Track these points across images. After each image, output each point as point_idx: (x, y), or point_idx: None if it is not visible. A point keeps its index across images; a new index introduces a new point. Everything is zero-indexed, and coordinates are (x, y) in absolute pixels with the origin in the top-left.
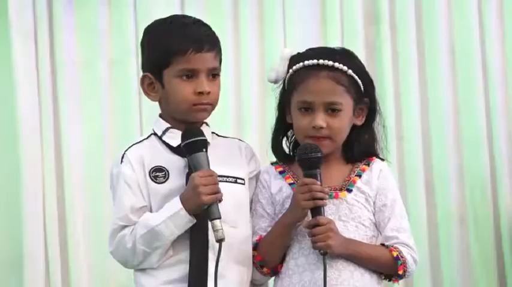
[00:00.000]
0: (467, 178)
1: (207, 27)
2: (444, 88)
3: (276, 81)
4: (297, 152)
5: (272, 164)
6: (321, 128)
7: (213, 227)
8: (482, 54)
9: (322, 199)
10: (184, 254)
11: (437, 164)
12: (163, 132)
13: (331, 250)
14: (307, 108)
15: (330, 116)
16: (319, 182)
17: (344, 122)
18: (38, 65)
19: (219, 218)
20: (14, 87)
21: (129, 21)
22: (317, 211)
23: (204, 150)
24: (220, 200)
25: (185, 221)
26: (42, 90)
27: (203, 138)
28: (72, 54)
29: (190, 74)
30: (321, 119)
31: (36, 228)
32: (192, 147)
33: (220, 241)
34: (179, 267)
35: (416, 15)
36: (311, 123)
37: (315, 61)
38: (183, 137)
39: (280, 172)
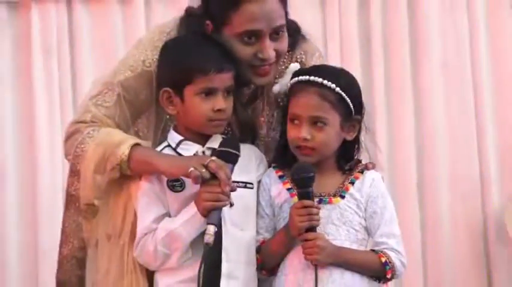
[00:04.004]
0: (457, 185)
1: (227, 48)
2: (436, 100)
3: (279, 93)
4: (291, 171)
5: (273, 167)
6: (306, 139)
7: (206, 230)
8: (472, 70)
9: (318, 220)
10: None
11: (429, 172)
12: (177, 145)
13: (318, 263)
14: (296, 120)
15: (316, 129)
16: (316, 202)
17: (329, 136)
18: (60, 80)
19: (214, 224)
20: (34, 101)
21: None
22: (310, 229)
23: (232, 164)
24: (231, 204)
25: (200, 223)
26: (63, 104)
27: (237, 153)
28: (91, 70)
29: (210, 92)
30: (305, 132)
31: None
32: (225, 156)
33: (206, 244)
34: (195, 267)
35: (410, 33)
36: (297, 134)
37: (307, 77)
38: (225, 143)
39: (280, 176)
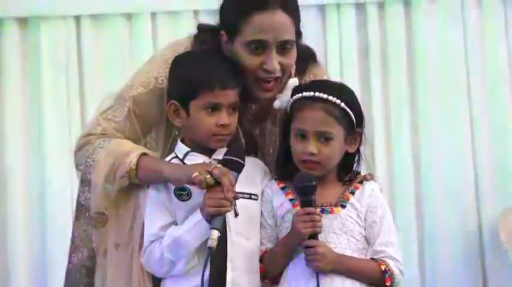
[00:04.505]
0: (453, 197)
1: (234, 65)
2: (433, 114)
3: (280, 108)
4: (293, 180)
5: (275, 179)
6: (313, 154)
7: (210, 235)
8: (468, 84)
9: (320, 227)
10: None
11: (426, 183)
12: (184, 156)
13: (319, 270)
14: (302, 135)
15: (322, 144)
16: (318, 211)
17: (334, 149)
18: (68, 95)
19: (217, 229)
20: (43, 115)
21: (149, 51)
22: (313, 235)
23: (236, 172)
24: (237, 214)
25: (204, 229)
26: (71, 118)
27: (241, 162)
28: (99, 84)
29: (214, 107)
30: (312, 146)
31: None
32: (231, 165)
33: (209, 248)
34: (200, 275)
35: (407, 50)
36: (304, 149)
37: (312, 93)
38: (230, 152)
39: (282, 188)
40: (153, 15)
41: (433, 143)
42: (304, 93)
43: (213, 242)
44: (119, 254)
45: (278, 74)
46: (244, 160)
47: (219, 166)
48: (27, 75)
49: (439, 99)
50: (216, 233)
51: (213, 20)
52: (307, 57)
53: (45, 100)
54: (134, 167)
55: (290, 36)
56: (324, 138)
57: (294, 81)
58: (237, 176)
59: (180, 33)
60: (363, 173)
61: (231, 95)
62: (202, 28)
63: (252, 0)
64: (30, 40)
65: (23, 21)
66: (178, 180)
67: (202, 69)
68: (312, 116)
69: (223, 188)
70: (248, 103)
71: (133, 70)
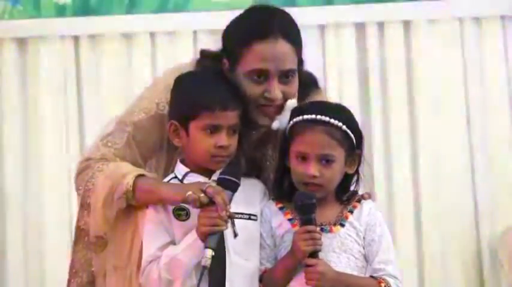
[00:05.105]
0: (452, 219)
1: (235, 87)
2: (431, 135)
3: (278, 130)
4: (293, 199)
5: (273, 199)
6: (315, 177)
7: (204, 253)
8: (466, 106)
9: (321, 245)
10: (205, 285)
11: (425, 204)
12: (184, 176)
13: None
14: (303, 158)
15: (323, 166)
16: (319, 229)
17: (335, 171)
18: (66, 115)
19: (211, 248)
20: (41, 136)
21: (148, 71)
22: (313, 253)
23: (231, 191)
24: (236, 235)
25: (200, 249)
26: (69, 139)
27: (236, 181)
28: (98, 105)
29: (214, 129)
30: (314, 169)
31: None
32: (225, 184)
33: (203, 267)
34: None
35: (406, 70)
36: (306, 171)
37: (313, 116)
38: (225, 171)
39: (280, 208)
40: (152, 35)
41: (432, 162)
42: (305, 116)
43: (207, 261)
44: (118, 275)
45: (280, 102)
46: (239, 180)
47: (213, 184)
48: (26, 95)
49: (439, 120)
50: (210, 252)
51: (213, 41)
52: (308, 84)
53: (44, 120)
54: (131, 188)
55: (292, 65)
56: (326, 160)
57: (292, 103)
58: (232, 195)
59: (179, 54)
60: (360, 192)
61: (231, 117)
62: (205, 54)
63: (254, 29)
64: (29, 60)
65: (21, 42)
66: (173, 199)
67: (203, 90)
68: (313, 139)
69: (217, 207)
70: (249, 129)
71: (131, 90)
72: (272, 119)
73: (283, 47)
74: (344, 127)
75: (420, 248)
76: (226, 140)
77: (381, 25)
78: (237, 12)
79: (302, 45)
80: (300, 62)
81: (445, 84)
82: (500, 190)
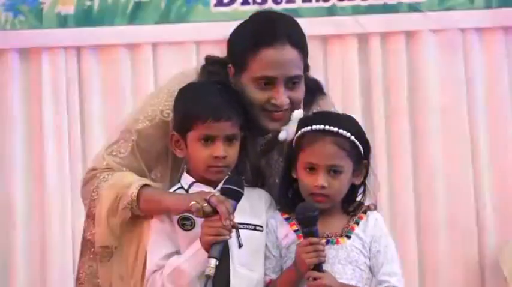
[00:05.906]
0: (455, 228)
1: (234, 96)
2: (434, 145)
3: (285, 140)
4: (295, 211)
5: (278, 210)
6: (323, 187)
7: (208, 263)
8: (469, 115)
9: (324, 256)
10: None
11: (427, 215)
12: (189, 186)
13: None
14: (312, 169)
15: (332, 177)
16: (324, 241)
17: (343, 182)
18: (69, 126)
19: (215, 257)
20: (44, 146)
21: (150, 82)
22: (318, 265)
23: (235, 201)
24: (240, 245)
25: (203, 258)
26: (71, 149)
27: (239, 190)
28: (100, 115)
29: (208, 139)
30: (323, 180)
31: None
32: (228, 193)
33: (206, 276)
34: None
35: (408, 81)
36: (314, 182)
37: (322, 127)
38: (229, 181)
39: (286, 219)
40: (155, 45)
41: (435, 173)
42: (314, 127)
43: (210, 270)
44: (124, 285)
45: (287, 107)
46: (243, 189)
47: (217, 194)
48: (28, 105)
49: (441, 130)
50: (213, 262)
51: (215, 51)
52: (314, 90)
53: (46, 130)
54: (135, 198)
55: (298, 71)
56: (334, 171)
57: (299, 113)
58: (236, 204)
59: (182, 64)
60: (365, 203)
61: (226, 127)
62: (209, 60)
63: (260, 35)
64: (32, 71)
65: (24, 52)
66: (177, 209)
67: (196, 101)
68: (322, 149)
69: (220, 216)
70: (256, 136)
71: (134, 101)
72: (281, 124)
73: (290, 53)
74: (352, 138)
75: (422, 259)
76: (222, 150)
77: (383, 35)
78: (239, 23)
79: (308, 51)
80: (306, 68)
81: (447, 94)
82: (503, 201)
